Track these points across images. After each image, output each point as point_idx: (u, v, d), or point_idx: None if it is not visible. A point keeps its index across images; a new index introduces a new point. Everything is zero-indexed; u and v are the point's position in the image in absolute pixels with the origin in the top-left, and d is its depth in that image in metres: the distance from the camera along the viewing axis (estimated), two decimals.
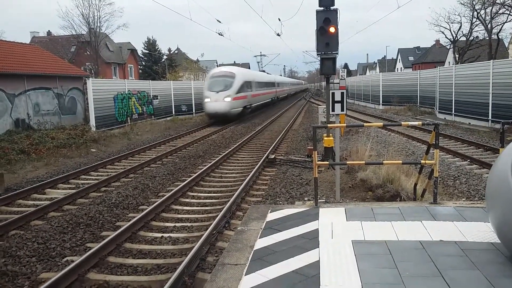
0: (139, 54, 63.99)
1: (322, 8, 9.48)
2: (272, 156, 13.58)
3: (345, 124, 8.56)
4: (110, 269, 6.07)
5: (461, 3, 39.89)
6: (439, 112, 27.14)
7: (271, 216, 5.85)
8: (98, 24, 45.41)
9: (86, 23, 44.85)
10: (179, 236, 7.30)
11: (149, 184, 10.95)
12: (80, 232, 7.52)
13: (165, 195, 9.37)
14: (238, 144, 16.97)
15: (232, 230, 7.07)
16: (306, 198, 9.08)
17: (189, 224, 7.89)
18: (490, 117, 20.33)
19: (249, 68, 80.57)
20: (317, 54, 9.83)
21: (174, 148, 16.70)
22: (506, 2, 33.96)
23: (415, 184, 7.90)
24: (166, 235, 7.32)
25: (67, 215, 8.40)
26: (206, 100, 27.60)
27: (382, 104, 37.79)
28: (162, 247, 6.83)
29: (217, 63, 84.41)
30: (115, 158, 14.93)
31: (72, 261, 6.03)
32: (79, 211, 8.60)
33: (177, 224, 7.91)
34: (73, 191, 10.20)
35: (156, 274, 5.88)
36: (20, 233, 7.47)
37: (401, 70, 78.40)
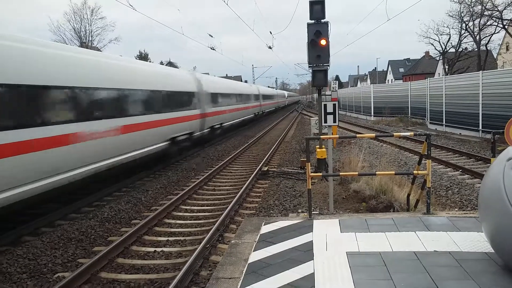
0: None
1: (313, 21, 9.59)
2: (265, 169, 13.57)
3: (337, 136, 8.60)
4: (103, 285, 5.99)
5: (450, 15, 40.59)
6: (430, 122, 27.36)
7: (265, 228, 5.83)
8: (90, 38, 45.65)
9: (78, 37, 45.02)
10: (172, 250, 7.23)
11: (141, 198, 10.87)
12: (71, 248, 7.43)
13: (158, 209, 9.30)
14: (231, 156, 16.95)
15: (226, 244, 7.03)
16: (299, 210, 9.05)
17: (182, 238, 7.83)
18: (480, 127, 20.51)
19: (241, 81, 78.11)
20: (309, 67, 9.91)
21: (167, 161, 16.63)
22: (494, 14, 34.52)
23: (408, 195, 7.92)
24: (159, 249, 7.25)
25: (58, 230, 8.30)
26: None
27: (374, 116, 38.00)
28: (155, 261, 6.76)
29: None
30: None
31: (64, 277, 5.95)
32: (70, 226, 8.51)
33: (170, 238, 7.84)
34: None
35: None
36: (11, 249, 7.36)
37: (391, 82, 79.16)
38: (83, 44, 44.66)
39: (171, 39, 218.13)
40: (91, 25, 45.81)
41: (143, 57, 62.90)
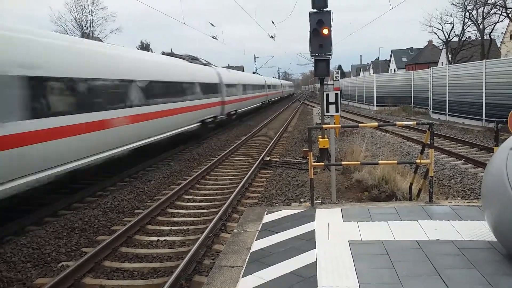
0: None
1: (315, 10, 9.52)
2: (268, 158, 13.57)
3: (340, 125, 8.57)
4: (106, 274, 6.03)
5: (453, 4, 40.48)
6: (433, 112, 27.25)
7: (268, 217, 5.84)
8: (91, 29, 45.46)
9: (79, 27, 44.86)
10: (175, 239, 7.27)
11: (144, 188, 10.90)
12: (75, 237, 7.47)
13: (160, 199, 9.33)
14: (233, 146, 16.95)
15: (229, 233, 7.06)
16: (302, 200, 9.07)
17: (185, 227, 7.86)
18: (483, 117, 20.43)
19: (243, 71, 76.93)
20: (311, 56, 9.85)
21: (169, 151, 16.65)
22: (498, 2, 34.24)
23: (411, 184, 7.92)
24: (162, 238, 7.28)
25: (62, 220, 8.34)
26: None
27: (376, 105, 37.89)
28: (158, 250, 6.79)
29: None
30: None
31: (68, 266, 5.99)
32: (74, 216, 8.55)
33: (173, 228, 7.87)
34: None
35: (153, 278, 5.85)
36: (15, 238, 7.40)
37: (394, 71, 78.78)
38: (84, 35, 44.52)
39: (172, 29, 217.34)
40: (92, 15, 45.63)
41: (144, 47, 62.62)
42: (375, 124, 8.65)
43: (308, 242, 4.80)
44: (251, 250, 4.70)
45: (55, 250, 6.88)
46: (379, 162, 7.92)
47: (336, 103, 8.48)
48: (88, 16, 45.21)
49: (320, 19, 9.38)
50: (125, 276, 5.95)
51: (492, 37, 40.31)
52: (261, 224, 5.58)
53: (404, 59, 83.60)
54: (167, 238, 7.30)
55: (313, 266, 4.16)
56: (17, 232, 7.80)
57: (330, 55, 9.69)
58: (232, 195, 9.12)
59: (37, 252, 6.79)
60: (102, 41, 43.31)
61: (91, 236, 7.60)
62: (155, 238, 7.32)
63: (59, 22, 46.33)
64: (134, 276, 5.95)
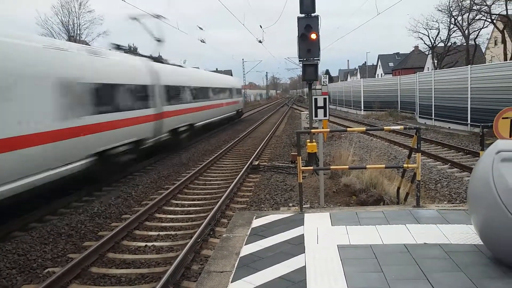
0: None
1: (303, 15, 9.57)
2: (256, 163, 13.57)
3: (328, 130, 8.62)
4: (93, 280, 5.96)
5: (439, 10, 40.97)
6: (419, 117, 27.54)
7: (256, 222, 5.84)
8: (78, 32, 45.02)
9: (66, 30, 44.42)
10: (163, 245, 7.21)
11: (132, 192, 10.82)
12: (61, 243, 7.38)
13: (148, 204, 9.26)
14: (221, 151, 16.92)
15: (217, 238, 7.04)
16: (290, 204, 9.08)
17: (173, 233, 7.81)
18: (469, 121, 20.71)
19: (231, 75, 75.02)
20: (299, 61, 9.89)
21: (157, 155, 16.56)
22: (483, 9, 34.76)
23: (398, 188, 7.98)
24: (150, 244, 7.22)
25: (48, 225, 8.23)
26: None
27: (364, 110, 38.17)
28: (146, 256, 6.73)
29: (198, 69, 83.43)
30: None
31: (54, 273, 5.91)
32: (60, 221, 8.45)
33: (161, 233, 7.81)
34: None
35: (141, 284, 5.80)
36: (0, 244, 7.28)
37: (381, 76, 79.51)
38: (71, 38, 44.15)
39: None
40: (79, 19, 45.20)
41: (132, 50, 62.28)
42: (363, 128, 8.71)
43: (297, 246, 4.81)
44: (240, 255, 4.69)
45: (41, 256, 6.78)
46: (367, 166, 7.97)
47: (324, 107, 8.53)
48: (75, 19, 44.82)
49: (308, 24, 9.43)
50: (113, 282, 5.89)
51: (477, 42, 40.91)
52: (250, 229, 5.57)
53: (391, 64, 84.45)
54: (155, 244, 7.25)
55: (302, 270, 4.16)
56: (2, 238, 7.68)
57: (318, 59, 9.75)
58: (221, 200, 9.10)
59: (23, 258, 6.69)
60: (89, 45, 42.88)
61: (78, 241, 7.51)
62: (143, 244, 7.25)
63: (45, 25, 45.84)
64: (121, 282, 5.89)
